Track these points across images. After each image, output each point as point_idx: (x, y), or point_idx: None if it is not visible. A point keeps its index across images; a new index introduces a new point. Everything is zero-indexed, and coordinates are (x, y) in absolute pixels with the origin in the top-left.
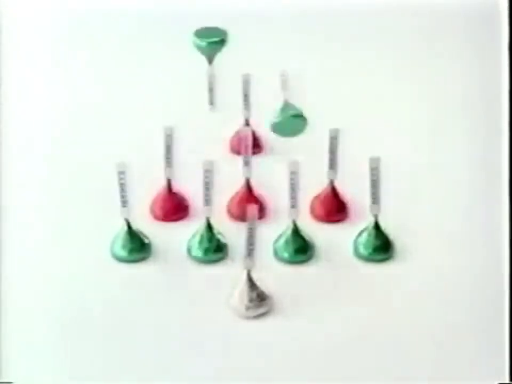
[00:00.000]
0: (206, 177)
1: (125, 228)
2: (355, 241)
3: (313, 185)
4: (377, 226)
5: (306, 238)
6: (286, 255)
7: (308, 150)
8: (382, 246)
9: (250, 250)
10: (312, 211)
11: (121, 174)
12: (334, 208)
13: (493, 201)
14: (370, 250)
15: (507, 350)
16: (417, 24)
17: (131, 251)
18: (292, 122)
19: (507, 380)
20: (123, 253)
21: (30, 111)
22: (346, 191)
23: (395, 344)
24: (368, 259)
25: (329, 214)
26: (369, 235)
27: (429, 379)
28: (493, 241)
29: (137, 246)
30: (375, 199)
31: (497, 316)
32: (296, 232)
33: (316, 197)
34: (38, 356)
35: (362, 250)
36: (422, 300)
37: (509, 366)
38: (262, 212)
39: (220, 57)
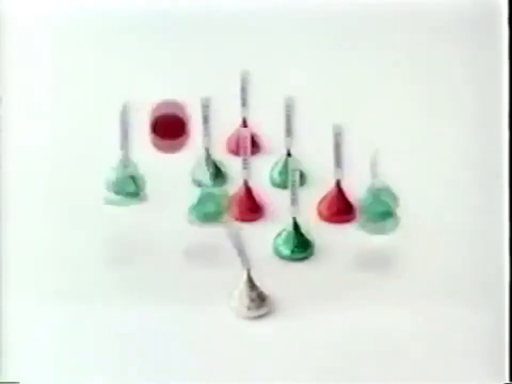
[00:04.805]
0: None
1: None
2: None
3: (316, 184)
4: None
5: (307, 235)
6: (286, 251)
7: (307, 149)
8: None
9: (242, 253)
10: (319, 212)
11: None
12: (341, 209)
13: (493, 201)
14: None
15: (507, 350)
16: (418, 24)
17: None
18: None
19: (507, 380)
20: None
21: (29, 109)
22: (349, 190)
23: (395, 344)
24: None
25: (335, 215)
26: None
27: (429, 379)
28: (492, 241)
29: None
30: None
31: (497, 315)
32: (296, 229)
33: (323, 198)
34: (44, 356)
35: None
36: (422, 300)
37: (509, 366)
38: (260, 212)
39: (218, 56)
